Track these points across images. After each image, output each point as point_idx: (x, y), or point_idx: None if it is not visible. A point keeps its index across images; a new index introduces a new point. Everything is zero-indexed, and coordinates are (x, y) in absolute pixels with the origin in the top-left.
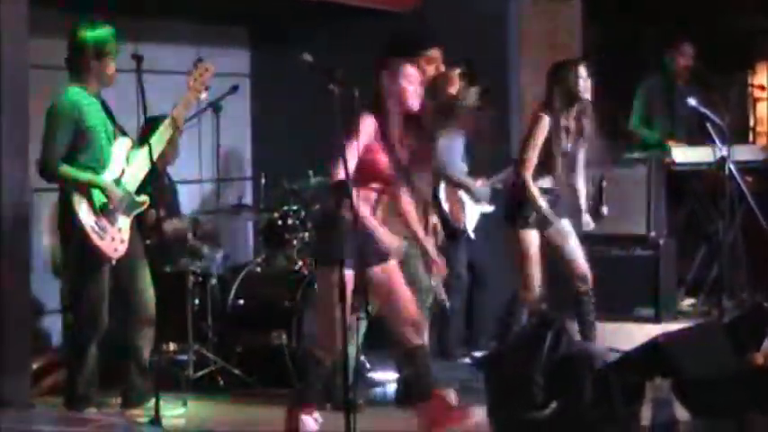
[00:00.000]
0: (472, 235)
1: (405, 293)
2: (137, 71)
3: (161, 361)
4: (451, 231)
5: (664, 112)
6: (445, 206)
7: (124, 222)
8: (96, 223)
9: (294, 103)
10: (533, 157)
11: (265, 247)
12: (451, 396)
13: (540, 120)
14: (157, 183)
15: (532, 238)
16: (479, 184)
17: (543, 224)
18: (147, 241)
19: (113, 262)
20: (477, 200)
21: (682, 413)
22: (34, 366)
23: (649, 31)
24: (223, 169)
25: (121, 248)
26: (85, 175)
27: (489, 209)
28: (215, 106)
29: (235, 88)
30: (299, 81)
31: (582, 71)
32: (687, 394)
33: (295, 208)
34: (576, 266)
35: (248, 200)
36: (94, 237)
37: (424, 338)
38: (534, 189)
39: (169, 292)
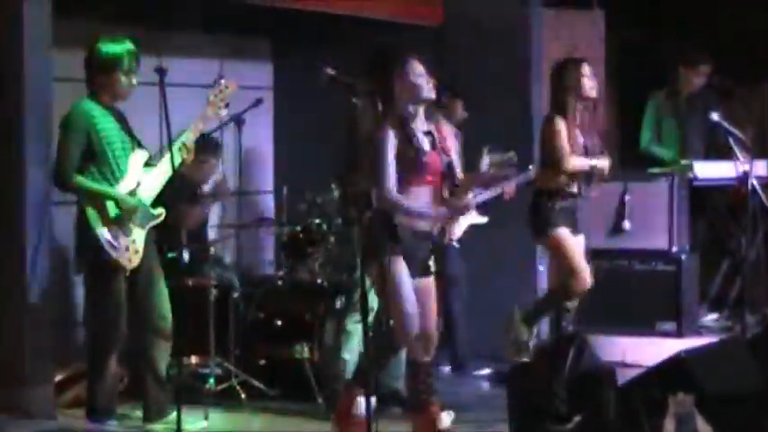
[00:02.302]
0: (456, 244)
1: (433, 311)
2: (160, 84)
3: (183, 374)
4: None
5: (675, 128)
6: None
7: (138, 234)
8: (110, 234)
9: (317, 117)
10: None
11: (287, 260)
12: (444, 419)
13: (554, 122)
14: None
15: (565, 233)
16: (470, 197)
17: (569, 223)
18: (170, 254)
19: (127, 273)
20: (459, 213)
21: (704, 428)
22: (57, 378)
23: (669, 41)
24: (245, 182)
25: (135, 260)
26: (99, 186)
27: (481, 220)
28: (238, 119)
29: (259, 102)
30: (322, 94)
31: (586, 70)
32: (710, 409)
33: (317, 221)
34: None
35: (270, 213)
36: (107, 248)
37: (431, 355)
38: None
39: (191, 304)
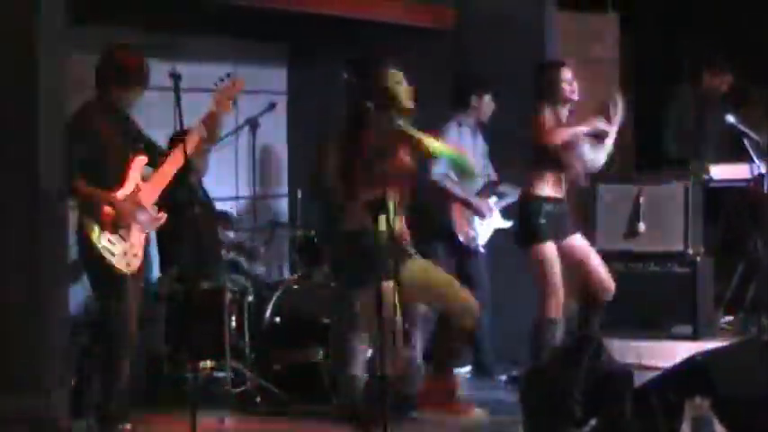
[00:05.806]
0: (482, 249)
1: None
2: (174, 90)
3: (198, 378)
4: (462, 246)
5: (693, 128)
6: (453, 219)
7: (137, 238)
8: (108, 239)
9: (331, 120)
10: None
11: (302, 263)
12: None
13: (538, 116)
14: (192, 197)
15: (548, 248)
16: (492, 202)
17: (556, 233)
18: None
19: (129, 277)
20: (481, 215)
21: None
22: (73, 383)
23: (685, 43)
24: (260, 186)
25: (135, 263)
26: (98, 192)
27: (505, 224)
28: (252, 123)
29: (272, 106)
30: (336, 98)
31: (566, 74)
32: (726, 412)
33: None
34: (601, 279)
35: (284, 217)
36: (106, 253)
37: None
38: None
39: (206, 308)
